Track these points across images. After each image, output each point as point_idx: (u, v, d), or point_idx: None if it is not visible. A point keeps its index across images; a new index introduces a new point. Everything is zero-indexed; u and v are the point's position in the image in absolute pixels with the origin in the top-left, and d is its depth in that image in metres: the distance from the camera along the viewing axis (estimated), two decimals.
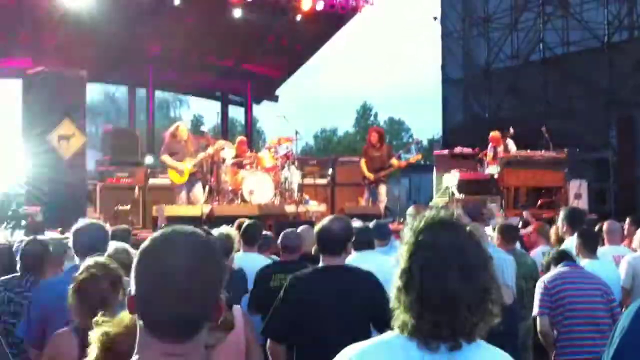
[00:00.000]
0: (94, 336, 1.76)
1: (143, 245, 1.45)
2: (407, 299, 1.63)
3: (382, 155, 11.54)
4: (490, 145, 12.16)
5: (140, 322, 1.42)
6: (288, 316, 3.45)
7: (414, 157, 11.80)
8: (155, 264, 1.41)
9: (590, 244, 4.99)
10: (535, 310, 4.50)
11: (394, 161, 11.60)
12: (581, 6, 17.51)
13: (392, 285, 1.69)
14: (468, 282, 1.60)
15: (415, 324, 1.62)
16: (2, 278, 4.34)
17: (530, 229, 7.28)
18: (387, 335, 1.71)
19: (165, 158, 10.35)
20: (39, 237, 4.71)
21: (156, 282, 1.39)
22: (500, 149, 11.90)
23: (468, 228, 1.71)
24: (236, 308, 3.76)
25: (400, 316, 1.65)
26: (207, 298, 1.43)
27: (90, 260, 2.90)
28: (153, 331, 1.40)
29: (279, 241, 5.18)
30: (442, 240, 1.64)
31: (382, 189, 11.53)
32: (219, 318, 1.46)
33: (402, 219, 11.36)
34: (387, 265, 4.78)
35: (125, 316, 1.79)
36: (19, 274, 4.31)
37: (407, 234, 1.70)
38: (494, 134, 12.12)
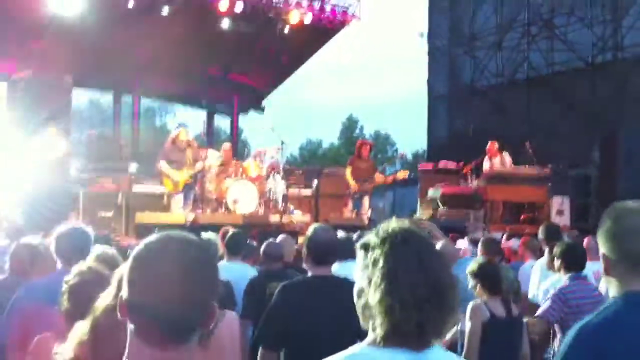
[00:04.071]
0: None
1: (137, 250, 1.44)
2: (372, 303, 1.64)
3: (368, 168, 11.64)
4: (486, 156, 12.17)
5: (131, 328, 1.41)
6: (281, 324, 3.41)
7: (400, 173, 11.80)
8: (151, 269, 1.39)
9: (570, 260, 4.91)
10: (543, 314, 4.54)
11: (378, 176, 11.64)
12: (566, 27, 17.74)
13: (355, 294, 1.72)
14: (423, 273, 1.59)
15: (382, 330, 1.62)
16: None
17: (512, 242, 7.34)
18: (355, 347, 1.69)
19: (162, 165, 10.23)
20: (28, 240, 4.59)
21: (152, 287, 1.38)
22: (497, 160, 11.92)
23: (425, 232, 1.73)
24: (231, 313, 3.77)
25: (367, 324, 1.67)
26: (202, 303, 1.42)
27: (82, 265, 2.86)
28: (146, 337, 1.39)
29: (261, 250, 5.19)
30: (401, 247, 1.63)
31: (366, 200, 11.59)
32: (212, 323, 1.45)
33: None
34: None
35: (81, 328, 1.80)
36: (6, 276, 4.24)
37: (371, 241, 1.68)
38: (492, 145, 12.12)
